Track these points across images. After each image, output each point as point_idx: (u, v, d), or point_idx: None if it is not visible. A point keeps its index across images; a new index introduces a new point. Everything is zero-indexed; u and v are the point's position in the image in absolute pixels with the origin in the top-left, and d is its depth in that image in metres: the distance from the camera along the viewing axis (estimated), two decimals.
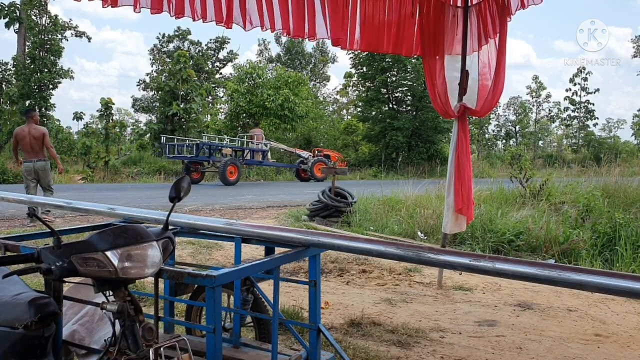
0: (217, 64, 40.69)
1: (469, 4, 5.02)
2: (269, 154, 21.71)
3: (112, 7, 3.81)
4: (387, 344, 3.74)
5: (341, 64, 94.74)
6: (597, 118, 45.73)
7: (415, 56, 5.70)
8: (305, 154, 22.46)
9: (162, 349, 1.71)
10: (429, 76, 5.10)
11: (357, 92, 36.95)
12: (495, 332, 4.06)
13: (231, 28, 4.19)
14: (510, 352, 3.65)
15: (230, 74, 38.61)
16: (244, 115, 27.23)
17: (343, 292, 5.17)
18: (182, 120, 26.88)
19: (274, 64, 39.90)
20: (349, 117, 40.08)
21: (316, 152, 23.32)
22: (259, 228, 2.81)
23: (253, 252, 6.21)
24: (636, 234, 6.36)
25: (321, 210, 9.36)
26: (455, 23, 5.04)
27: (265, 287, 3.01)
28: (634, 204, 8.60)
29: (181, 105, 25.82)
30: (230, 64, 40.36)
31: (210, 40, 39.83)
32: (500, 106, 49.09)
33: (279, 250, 2.73)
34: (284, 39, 44.23)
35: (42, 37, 24.99)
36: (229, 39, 39.18)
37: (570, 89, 44.45)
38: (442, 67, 5.07)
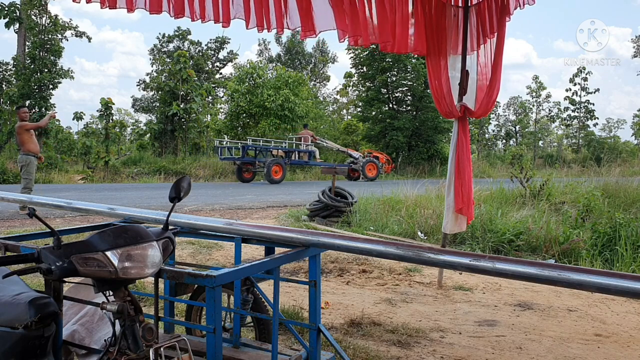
0: (217, 64, 40.69)
1: (469, 4, 5.02)
2: (317, 153, 22.84)
3: (109, 8, 3.81)
4: (387, 344, 3.74)
5: (341, 64, 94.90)
6: (597, 118, 45.69)
7: (416, 56, 5.69)
8: (356, 154, 23.33)
9: (162, 349, 1.71)
10: (433, 76, 5.07)
11: (357, 92, 36.94)
12: (495, 332, 4.06)
13: (228, 26, 4.17)
14: (511, 352, 3.65)
15: (231, 73, 38.66)
16: (244, 115, 27.21)
17: (343, 292, 5.17)
18: (182, 120, 26.87)
19: (274, 64, 39.88)
20: (349, 117, 40.08)
21: (366, 152, 24.36)
22: (259, 228, 2.81)
23: (253, 252, 6.21)
24: (636, 234, 6.36)
25: (321, 210, 9.35)
26: (456, 23, 5.04)
27: (266, 287, 3.01)
28: (634, 204, 8.60)
29: (181, 105, 25.80)
30: (230, 64, 40.40)
31: (210, 40, 39.86)
32: (500, 106, 49.18)
33: (279, 250, 2.73)
34: (284, 38, 44.28)
35: (42, 37, 24.97)
36: (229, 39, 39.26)
37: (570, 89, 44.44)
38: (446, 67, 5.06)
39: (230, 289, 2.85)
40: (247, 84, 27.25)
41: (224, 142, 21.67)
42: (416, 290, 5.29)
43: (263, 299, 2.87)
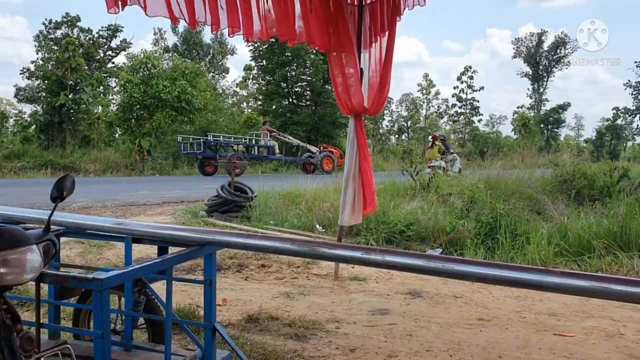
0: (110, 52, 38.67)
1: (364, 3, 5.15)
2: (276, 147, 24.95)
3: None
4: (284, 338, 3.78)
5: (241, 57, 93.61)
6: (482, 114, 48.94)
7: (314, 52, 5.72)
8: (314, 149, 24.99)
9: (42, 358, 1.62)
10: (335, 72, 5.09)
11: (257, 85, 36.77)
12: (387, 321, 4.23)
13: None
14: (402, 340, 3.82)
15: (124, 63, 36.84)
16: (138, 106, 26.10)
17: (241, 288, 5.15)
18: (71, 111, 25.33)
19: (170, 54, 38.58)
20: (249, 111, 39.77)
21: (322, 147, 25.69)
22: (151, 227, 2.73)
23: (147, 251, 6.01)
24: (514, 223, 6.86)
25: (220, 206, 9.21)
26: (353, 20, 5.15)
27: (160, 286, 2.92)
28: (513, 195, 9.26)
29: (70, 96, 24.31)
30: (123, 53, 38.53)
31: (102, 28, 37.65)
32: (393, 102, 51.09)
33: (173, 249, 2.66)
34: (180, 28, 43.00)
35: None
36: (122, 27, 37.24)
37: (457, 87, 47.15)
38: (348, 63, 5.11)
39: (121, 290, 2.75)
40: (141, 74, 26.15)
41: (189, 138, 23.00)
42: (314, 282, 5.39)
43: (156, 300, 2.79)
